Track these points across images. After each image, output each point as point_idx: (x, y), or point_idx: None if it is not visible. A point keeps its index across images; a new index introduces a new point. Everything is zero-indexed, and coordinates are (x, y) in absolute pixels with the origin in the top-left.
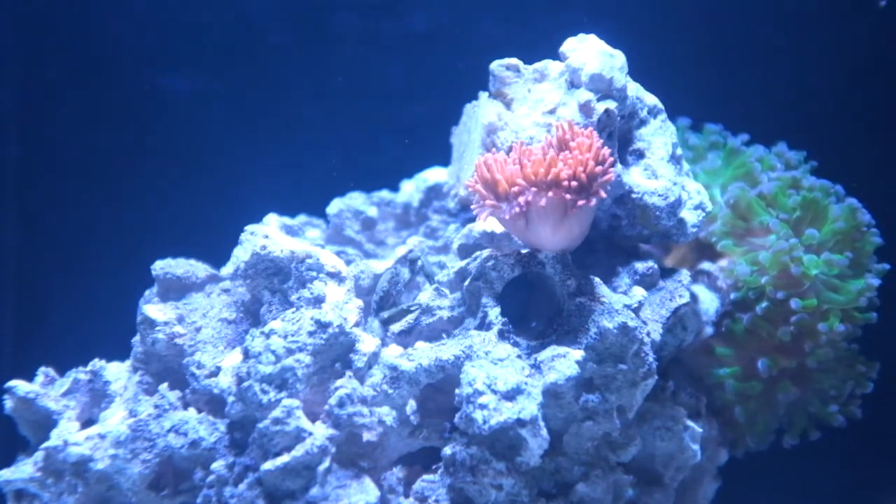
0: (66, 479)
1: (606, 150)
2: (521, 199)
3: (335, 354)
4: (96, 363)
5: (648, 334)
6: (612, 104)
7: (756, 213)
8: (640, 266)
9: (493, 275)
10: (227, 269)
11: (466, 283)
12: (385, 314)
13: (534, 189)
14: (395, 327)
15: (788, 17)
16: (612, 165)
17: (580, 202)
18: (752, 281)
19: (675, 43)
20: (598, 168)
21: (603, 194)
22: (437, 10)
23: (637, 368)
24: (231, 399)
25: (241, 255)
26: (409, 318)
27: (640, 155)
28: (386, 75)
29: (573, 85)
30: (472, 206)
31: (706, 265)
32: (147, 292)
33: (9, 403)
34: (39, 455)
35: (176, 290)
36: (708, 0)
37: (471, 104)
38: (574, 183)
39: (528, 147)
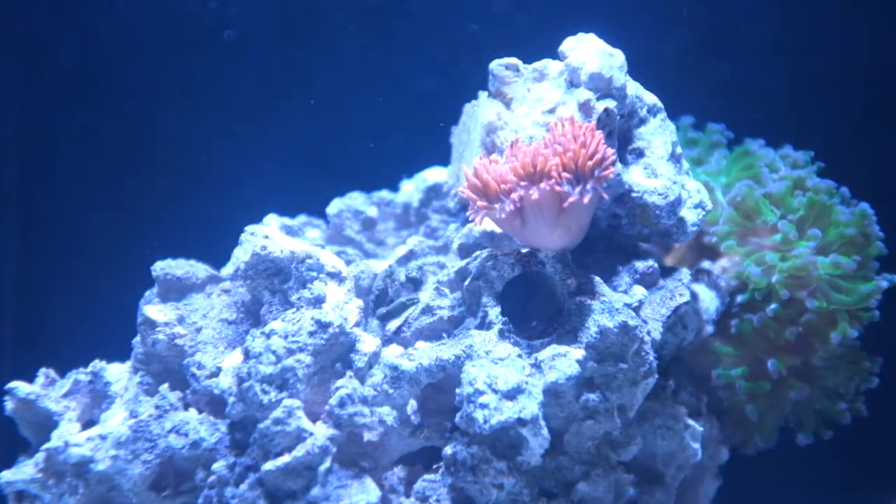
0: (67, 480)
1: (607, 147)
2: (515, 195)
3: (336, 354)
4: (97, 364)
5: (649, 333)
6: (611, 103)
7: (762, 212)
8: (641, 265)
9: (494, 274)
10: (227, 270)
11: (467, 282)
12: (383, 310)
13: (524, 183)
14: (393, 325)
15: (789, 16)
16: (613, 163)
17: (572, 197)
18: (760, 281)
19: (674, 42)
20: (592, 161)
21: (604, 195)
22: (437, 10)
23: (638, 367)
24: (232, 399)
25: (241, 255)
26: (409, 313)
27: (639, 154)
28: (386, 75)
29: (573, 84)
30: (468, 213)
31: (706, 264)
32: (147, 293)
33: (9, 405)
34: (40, 456)
35: (176, 290)
36: None
37: (470, 104)
38: (565, 174)
39: (520, 144)
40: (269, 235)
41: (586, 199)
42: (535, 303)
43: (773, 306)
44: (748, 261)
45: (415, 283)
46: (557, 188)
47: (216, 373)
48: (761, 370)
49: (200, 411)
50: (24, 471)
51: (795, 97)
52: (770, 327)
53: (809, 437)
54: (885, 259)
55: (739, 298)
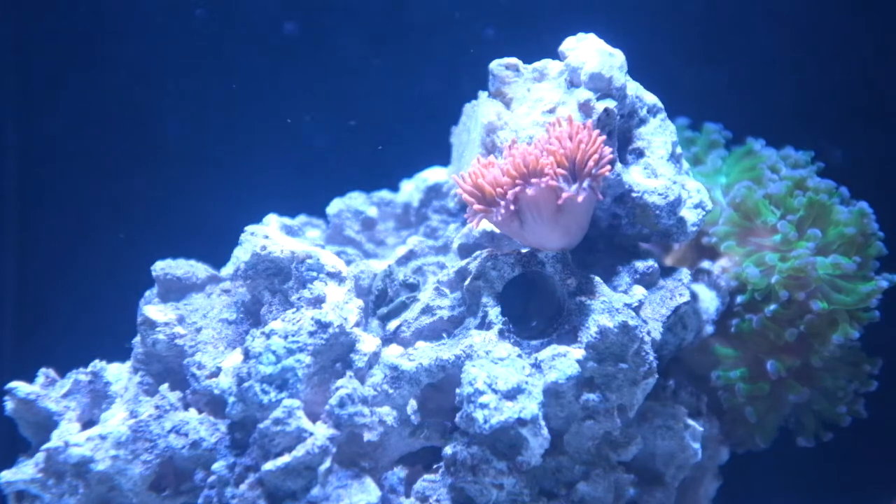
0: (67, 480)
1: (606, 147)
2: (509, 195)
3: (336, 354)
4: (97, 364)
5: (649, 333)
6: (611, 103)
7: (761, 212)
8: (641, 265)
9: (494, 274)
10: (227, 270)
11: (467, 282)
12: (384, 310)
13: (519, 183)
14: (393, 325)
15: (788, 15)
16: (612, 163)
17: (566, 194)
18: (759, 282)
19: (674, 41)
20: (589, 160)
21: (598, 195)
22: (437, 10)
23: (638, 367)
24: (232, 399)
25: (241, 255)
26: (409, 315)
27: (639, 154)
28: (386, 75)
29: (573, 84)
30: (465, 215)
31: (706, 264)
32: (147, 293)
33: (9, 405)
34: (40, 456)
35: (176, 290)
36: None
37: (470, 104)
38: (560, 171)
39: (518, 145)
40: (269, 235)
41: (581, 197)
42: (535, 303)
43: (771, 307)
44: (747, 261)
45: (411, 288)
46: (552, 183)
47: (216, 373)
48: (761, 371)
49: (200, 411)
50: (25, 471)
51: (796, 96)
52: (769, 328)
53: (810, 440)
54: (886, 259)
55: (739, 299)
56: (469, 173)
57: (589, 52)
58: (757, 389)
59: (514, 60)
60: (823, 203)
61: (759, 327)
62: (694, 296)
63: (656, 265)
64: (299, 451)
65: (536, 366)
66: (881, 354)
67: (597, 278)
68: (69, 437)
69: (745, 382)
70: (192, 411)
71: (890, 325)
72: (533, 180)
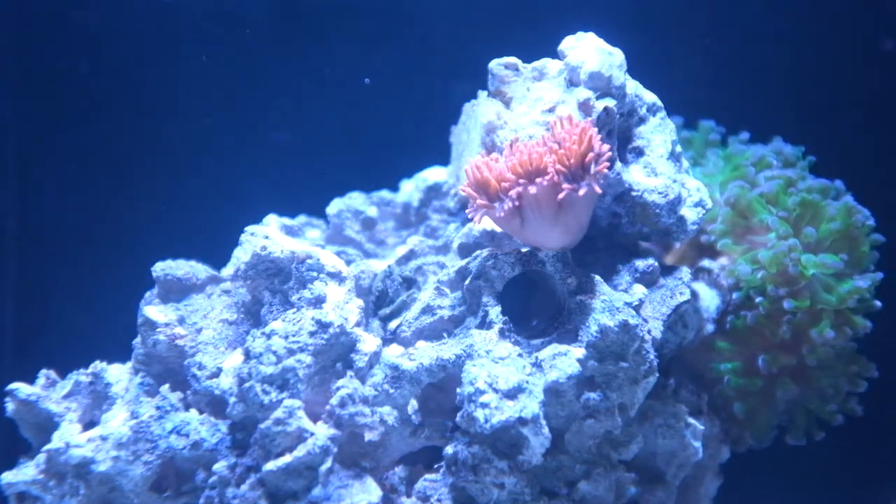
0: (68, 481)
1: (602, 143)
2: (513, 192)
3: (336, 354)
4: (97, 365)
5: (649, 332)
6: (611, 102)
7: (756, 211)
8: (641, 264)
9: (494, 273)
10: (227, 270)
11: (467, 282)
12: (386, 310)
13: (522, 181)
14: (394, 324)
15: (788, 14)
16: (610, 160)
17: (565, 190)
18: (752, 280)
19: (674, 40)
20: (590, 155)
21: (597, 189)
22: (437, 9)
23: (638, 366)
24: (232, 400)
25: (241, 255)
26: (409, 314)
27: (639, 153)
28: (385, 75)
29: (572, 83)
30: (467, 210)
31: (706, 262)
32: (148, 294)
33: (10, 406)
34: (41, 457)
35: (176, 291)
36: None
37: (470, 103)
38: (560, 167)
39: (520, 144)
40: (269, 235)
41: (582, 192)
42: (535, 302)
43: (758, 300)
44: (741, 259)
45: (408, 283)
46: (556, 179)
47: (217, 373)
48: (755, 367)
49: (201, 412)
50: (26, 472)
51: (794, 92)
52: (763, 325)
53: (800, 438)
54: (887, 259)
55: (734, 295)
56: (474, 166)
57: (588, 50)
58: (748, 385)
59: (513, 60)
60: (816, 202)
61: (753, 324)
62: (694, 294)
63: (656, 264)
64: (300, 451)
65: (537, 365)
66: (882, 354)
67: (597, 277)
68: (70, 438)
69: (736, 377)
70: (193, 412)
71: (891, 325)
72: (537, 180)
